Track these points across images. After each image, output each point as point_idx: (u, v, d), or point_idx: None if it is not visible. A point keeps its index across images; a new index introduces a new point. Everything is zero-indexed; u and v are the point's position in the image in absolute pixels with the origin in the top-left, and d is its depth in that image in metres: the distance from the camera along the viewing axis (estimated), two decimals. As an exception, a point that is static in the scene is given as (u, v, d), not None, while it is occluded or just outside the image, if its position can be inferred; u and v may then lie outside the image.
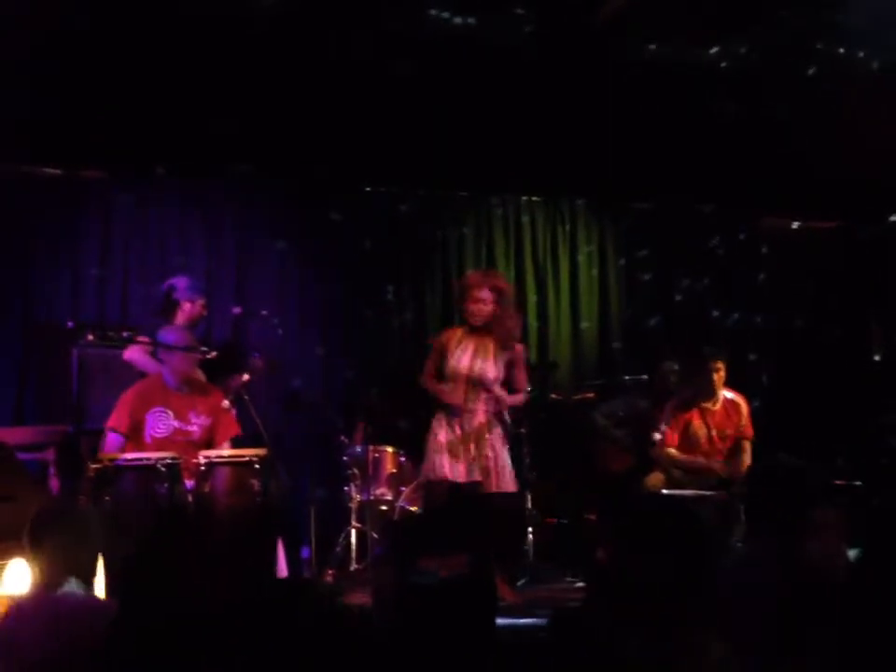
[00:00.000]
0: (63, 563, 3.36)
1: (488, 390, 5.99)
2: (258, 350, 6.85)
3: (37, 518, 3.45)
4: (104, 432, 5.84)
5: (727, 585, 3.11)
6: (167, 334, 6.03)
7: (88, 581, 3.44)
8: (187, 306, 6.65)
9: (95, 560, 3.52)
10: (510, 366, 6.08)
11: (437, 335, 6.30)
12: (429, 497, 6.07)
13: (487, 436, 5.98)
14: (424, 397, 6.22)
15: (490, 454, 5.95)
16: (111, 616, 2.98)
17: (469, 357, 6.00)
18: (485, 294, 6.03)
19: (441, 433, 5.98)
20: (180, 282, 6.76)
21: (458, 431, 5.96)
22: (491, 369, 6.00)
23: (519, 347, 6.20)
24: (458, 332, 6.11)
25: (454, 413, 5.97)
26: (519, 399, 6.22)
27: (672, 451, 6.63)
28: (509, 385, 6.13)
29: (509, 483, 6.00)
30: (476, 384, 5.98)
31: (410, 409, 7.02)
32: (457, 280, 6.44)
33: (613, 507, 6.84)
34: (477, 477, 5.90)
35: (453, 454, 5.92)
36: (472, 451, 5.93)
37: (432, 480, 5.96)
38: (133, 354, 6.46)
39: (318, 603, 2.54)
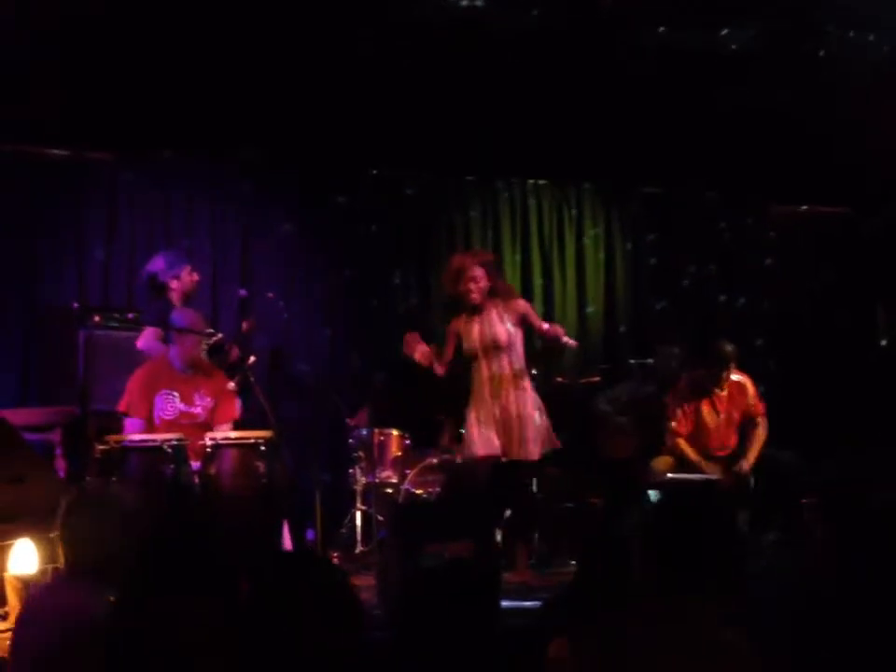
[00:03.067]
0: (89, 552, 3.30)
1: (503, 349, 6.05)
2: (260, 336, 6.88)
3: (70, 503, 3.38)
4: (120, 417, 5.86)
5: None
6: (179, 317, 6.05)
7: (113, 574, 3.37)
8: (174, 283, 6.63)
9: (123, 551, 3.41)
10: (523, 322, 6.16)
11: (449, 321, 6.28)
12: (459, 476, 6.10)
13: (514, 392, 6.03)
14: (429, 380, 6.26)
15: (514, 412, 6.00)
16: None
17: (478, 332, 6.07)
18: (478, 272, 6.12)
19: (473, 411, 6.03)
20: (157, 264, 6.71)
21: (474, 407, 6.04)
22: (502, 331, 6.07)
23: (520, 302, 6.30)
24: (463, 317, 6.15)
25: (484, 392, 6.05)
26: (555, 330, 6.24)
27: (683, 444, 6.64)
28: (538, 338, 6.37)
29: (531, 450, 6.02)
30: (492, 349, 6.05)
31: (415, 392, 7.03)
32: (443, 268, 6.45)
33: (618, 491, 6.86)
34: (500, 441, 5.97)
35: (483, 422, 5.96)
36: (497, 412, 5.99)
37: (465, 458, 6.00)
38: (147, 342, 6.45)
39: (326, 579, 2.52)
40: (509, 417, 5.97)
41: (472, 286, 6.09)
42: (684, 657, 2.35)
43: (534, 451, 6.02)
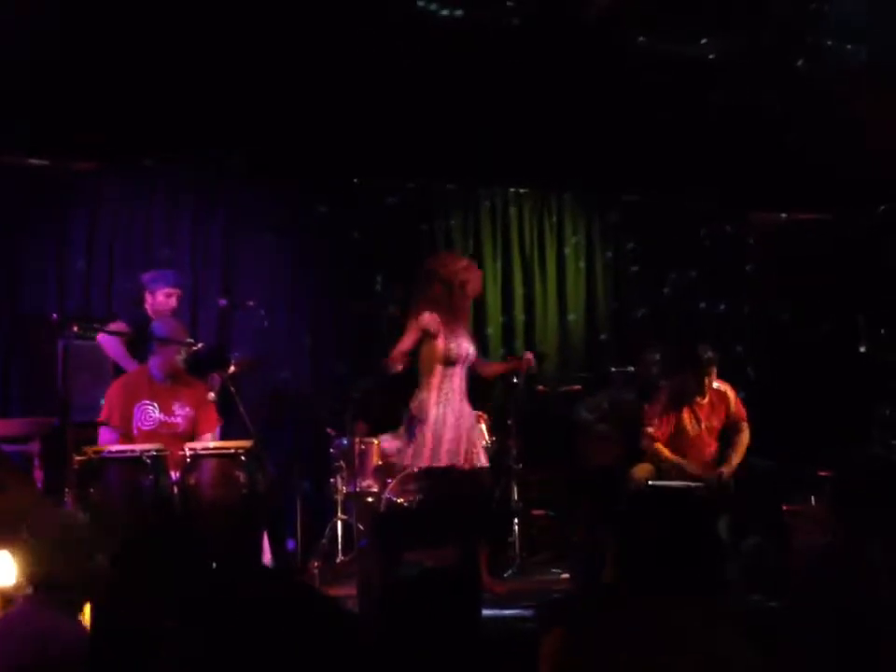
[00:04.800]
0: (45, 572, 3.26)
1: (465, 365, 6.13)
2: (240, 345, 6.84)
3: (28, 523, 3.36)
4: (96, 427, 5.84)
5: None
6: (160, 327, 6.05)
7: (71, 593, 3.30)
8: (149, 298, 6.70)
9: (81, 570, 3.38)
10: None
11: (419, 316, 6.06)
12: (432, 485, 6.05)
13: (468, 412, 6.09)
14: (412, 387, 6.23)
15: (473, 431, 6.08)
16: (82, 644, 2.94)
17: (465, 342, 6.07)
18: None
19: (432, 417, 5.98)
20: (146, 276, 6.83)
21: (450, 410, 6.00)
22: (472, 347, 6.16)
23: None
24: (437, 317, 6.08)
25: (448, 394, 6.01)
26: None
27: (660, 447, 6.64)
28: None
29: (483, 458, 6.11)
30: (464, 362, 6.08)
31: (397, 400, 7.01)
32: (447, 262, 6.31)
33: (600, 499, 6.86)
34: (463, 455, 5.97)
35: (447, 435, 5.94)
36: (461, 428, 5.99)
37: (432, 467, 5.95)
38: (106, 338, 6.47)
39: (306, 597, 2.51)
40: (469, 427, 6.04)
41: (473, 298, 6.17)
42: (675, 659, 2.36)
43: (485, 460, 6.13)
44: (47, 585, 3.24)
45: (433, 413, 5.97)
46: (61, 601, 3.22)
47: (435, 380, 6.01)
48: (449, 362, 6.02)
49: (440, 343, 6.02)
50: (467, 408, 6.08)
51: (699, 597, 2.52)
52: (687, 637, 2.39)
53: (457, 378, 6.04)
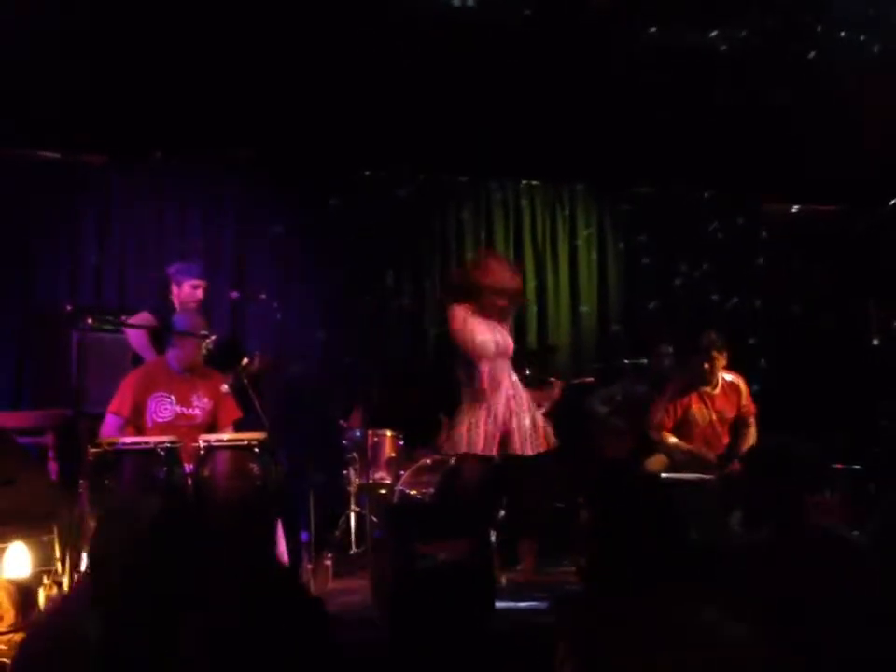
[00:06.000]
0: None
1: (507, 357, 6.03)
2: (254, 338, 6.84)
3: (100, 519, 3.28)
4: (104, 415, 5.85)
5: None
6: (181, 320, 6.06)
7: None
8: (175, 290, 6.69)
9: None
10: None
11: (460, 317, 5.95)
12: (460, 473, 6.03)
13: (512, 396, 5.99)
14: (423, 381, 6.22)
15: (515, 415, 5.97)
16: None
17: (491, 335, 5.97)
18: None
19: (482, 412, 5.92)
20: (172, 268, 6.80)
21: (490, 403, 5.93)
22: (510, 340, 6.06)
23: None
24: (469, 310, 6.01)
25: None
26: None
27: (668, 435, 6.64)
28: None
29: (528, 445, 6.00)
30: (503, 355, 5.99)
31: (408, 393, 7.02)
32: (472, 266, 6.25)
33: (612, 492, 6.85)
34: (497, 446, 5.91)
35: (489, 422, 5.91)
36: (500, 415, 5.93)
37: (467, 454, 5.89)
38: (136, 332, 6.51)
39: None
40: (507, 418, 5.94)
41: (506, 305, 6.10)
42: (676, 645, 2.36)
43: (528, 449, 6.01)
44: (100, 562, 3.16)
45: (471, 404, 5.92)
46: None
47: (477, 371, 5.92)
48: (480, 354, 5.92)
49: (472, 337, 5.98)
50: (508, 400, 5.97)
51: (693, 585, 2.52)
52: (687, 632, 2.39)
53: (497, 371, 5.94)
